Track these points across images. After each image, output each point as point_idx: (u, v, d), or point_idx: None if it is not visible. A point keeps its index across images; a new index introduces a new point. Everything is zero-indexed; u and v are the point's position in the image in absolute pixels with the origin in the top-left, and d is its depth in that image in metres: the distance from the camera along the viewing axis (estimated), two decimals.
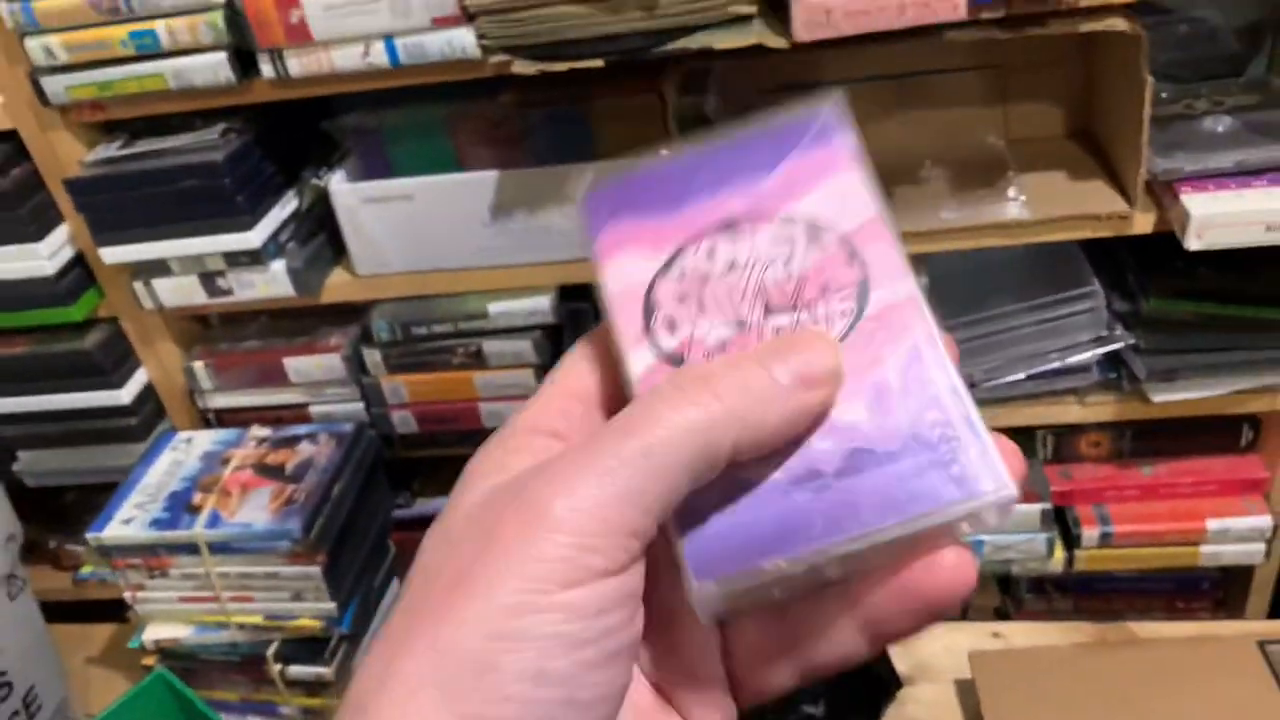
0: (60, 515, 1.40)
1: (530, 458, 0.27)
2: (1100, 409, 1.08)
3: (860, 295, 0.28)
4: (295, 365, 1.14)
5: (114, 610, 1.38)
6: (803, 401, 0.26)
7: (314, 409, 1.18)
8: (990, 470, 0.26)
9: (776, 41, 0.85)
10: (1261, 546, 1.13)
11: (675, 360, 0.29)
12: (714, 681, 0.29)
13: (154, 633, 1.13)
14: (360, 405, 1.16)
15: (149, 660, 1.15)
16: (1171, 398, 1.04)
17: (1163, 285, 1.01)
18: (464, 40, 0.90)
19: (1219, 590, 1.24)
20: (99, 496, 1.28)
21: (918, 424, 0.27)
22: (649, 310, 0.29)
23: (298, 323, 1.18)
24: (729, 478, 0.27)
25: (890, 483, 0.26)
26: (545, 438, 0.28)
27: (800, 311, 0.28)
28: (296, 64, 0.94)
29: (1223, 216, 0.88)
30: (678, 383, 0.27)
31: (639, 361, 0.29)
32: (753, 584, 0.26)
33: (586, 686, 0.24)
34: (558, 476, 0.25)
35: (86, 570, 1.41)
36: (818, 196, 0.30)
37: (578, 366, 0.30)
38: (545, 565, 0.24)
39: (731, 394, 0.26)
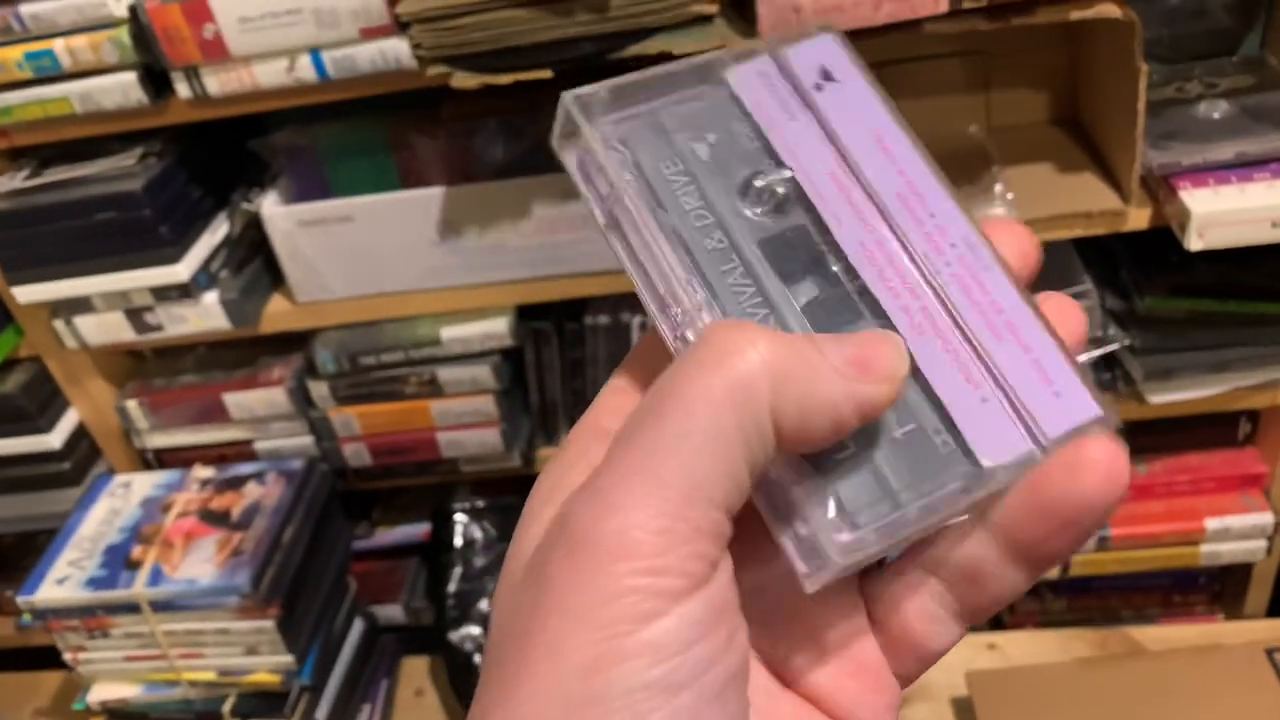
0: None
1: (588, 467, 0.22)
2: None
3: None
4: (236, 400, 1.06)
5: (61, 658, 1.30)
6: (855, 389, 0.22)
7: (259, 445, 1.10)
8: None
9: (741, 44, 0.77)
10: (1263, 544, 1.09)
11: None
12: (869, 660, 0.25)
13: (100, 693, 1.05)
14: (309, 439, 1.08)
15: None
16: (1169, 398, 0.99)
17: (1157, 282, 0.95)
18: (398, 50, 0.82)
19: (1217, 585, 1.20)
20: (39, 538, 1.20)
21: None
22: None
23: (237, 353, 1.09)
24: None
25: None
26: (604, 441, 0.23)
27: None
28: (215, 82, 0.85)
29: (1225, 214, 0.82)
30: (707, 336, 0.22)
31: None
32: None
33: None
34: (598, 494, 0.21)
35: (29, 616, 1.33)
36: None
37: (642, 353, 0.25)
38: (612, 606, 0.20)
39: (774, 348, 0.22)
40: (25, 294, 0.97)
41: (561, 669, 0.20)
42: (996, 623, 1.24)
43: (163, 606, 0.97)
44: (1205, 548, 1.10)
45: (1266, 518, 1.07)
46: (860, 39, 0.78)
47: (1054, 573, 1.13)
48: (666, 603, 0.20)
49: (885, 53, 0.99)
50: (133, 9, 0.83)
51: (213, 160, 0.99)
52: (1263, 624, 1.13)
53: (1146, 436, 1.10)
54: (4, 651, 1.29)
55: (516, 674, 0.20)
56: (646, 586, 0.20)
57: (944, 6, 0.75)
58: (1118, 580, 1.19)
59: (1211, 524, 1.08)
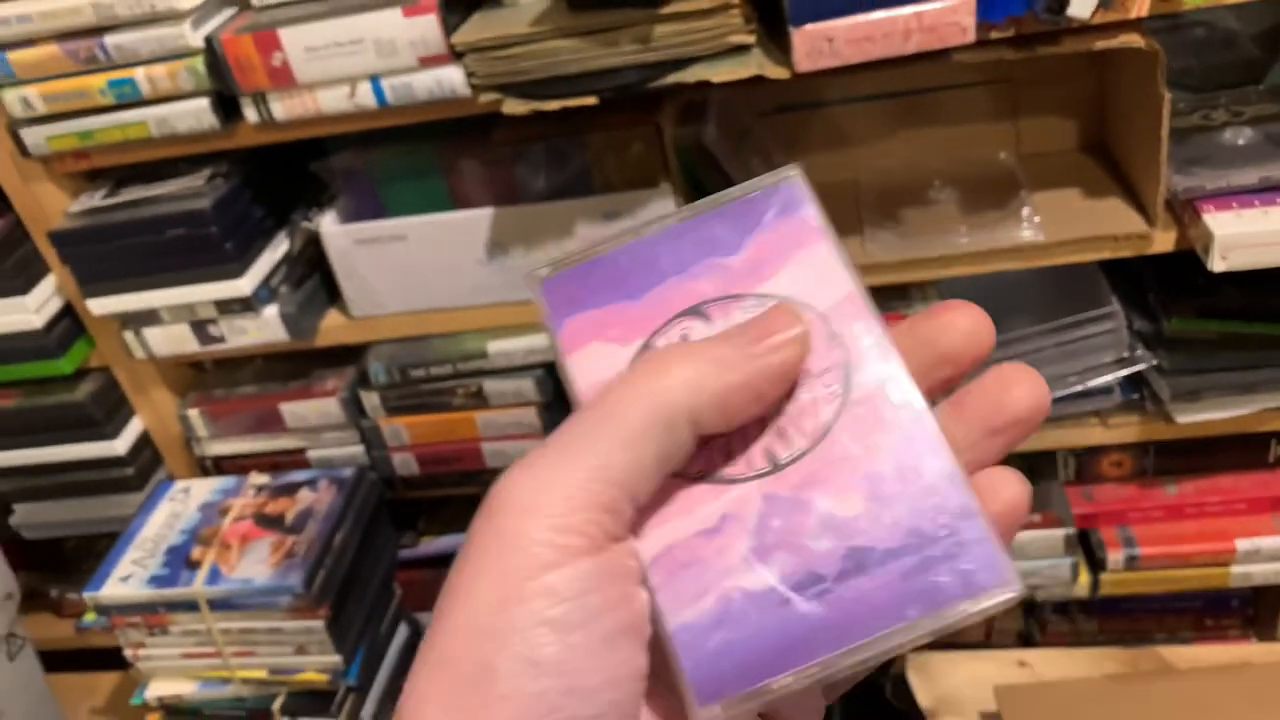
0: (61, 563, 1.37)
1: None
2: (1124, 430, 1.05)
3: (845, 378, 0.27)
4: (292, 410, 1.11)
5: (118, 659, 1.35)
6: (764, 363, 0.26)
7: (312, 454, 1.15)
8: (991, 566, 0.25)
9: (777, 72, 0.81)
10: None
11: None
12: None
13: (157, 689, 1.10)
14: (360, 448, 1.13)
15: (154, 717, 1.12)
16: (1197, 418, 1.01)
17: (1184, 304, 0.97)
18: (453, 79, 0.87)
19: (1249, 608, 1.21)
20: (100, 542, 1.26)
21: (917, 516, 0.26)
22: None
23: (293, 366, 1.15)
24: (726, 587, 0.26)
25: (893, 582, 0.25)
26: None
27: (783, 400, 0.27)
28: (281, 107, 0.91)
29: (1248, 236, 0.85)
30: (637, 362, 0.27)
31: None
32: (758, 701, 0.25)
33: (586, 672, 0.23)
34: (523, 465, 0.25)
35: (89, 618, 1.38)
36: (789, 274, 0.29)
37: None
38: (520, 555, 0.24)
39: (689, 361, 0.26)
40: (99, 306, 1.03)
41: (474, 606, 0.24)
42: (1028, 641, 1.25)
43: (220, 605, 1.02)
44: (1236, 569, 1.11)
45: None
46: (891, 68, 0.82)
47: (1084, 592, 1.15)
48: (565, 556, 0.24)
49: (917, 81, 1.03)
50: (208, 39, 0.88)
51: (275, 181, 1.05)
52: None
53: (1177, 458, 1.11)
54: (65, 653, 1.35)
55: (441, 614, 0.24)
56: (548, 540, 0.24)
57: (971, 37, 0.79)
58: (1149, 602, 1.20)
59: (1242, 545, 1.09)
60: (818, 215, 0.29)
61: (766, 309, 0.27)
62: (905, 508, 0.26)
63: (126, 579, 1.05)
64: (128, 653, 1.08)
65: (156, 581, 1.03)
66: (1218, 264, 0.86)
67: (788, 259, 0.29)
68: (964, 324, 0.27)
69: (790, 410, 0.27)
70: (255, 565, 1.02)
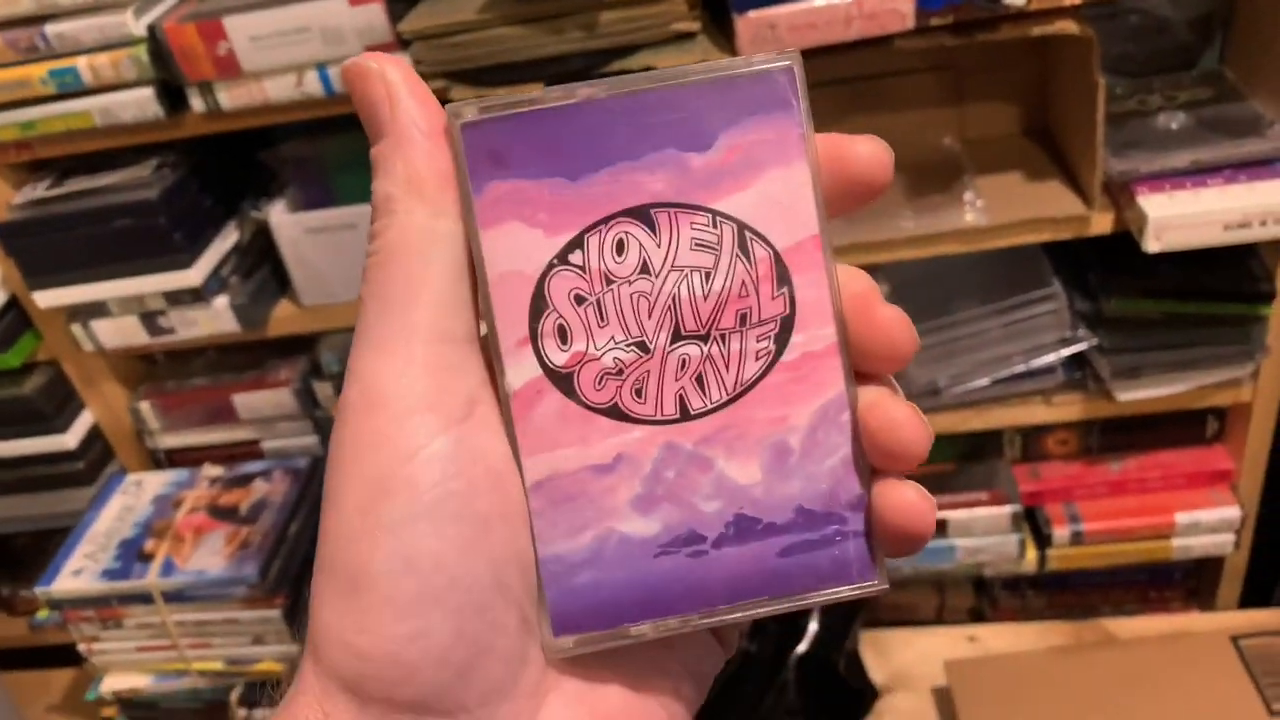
0: (12, 560, 1.36)
1: None
2: (1067, 409, 1.07)
3: (780, 336, 0.26)
4: (245, 401, 1.11)
5: (73, 656, 1.34)
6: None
7: (266, 444, 1.14)
8: (864, 559, 0.26)
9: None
10: (1231, 537, 1.13)
11: (562, 380, 0.25)
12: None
13: (112, 683, 1.10)
14: (314, 439, 1.13)
15: (109, 711, 1.12)
16: (1136, 395, 1.03)
17: (1123, 284, 1.00)
18: None
19: (1191, 580, 1.24)
20: (52, 539, 1.25)
21: (808, 495, 0.26)
22: (538, 308, 0.25)
23: (246, 356, 1.14)
24: (605, 528, 0.25)
25: (766, 557, 0.26)
26: None
27: (711, 344, 0.25)
28: (227, 96, 0.91)
29: (1180, 218, 0.87)
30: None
31: (519, 373, 0.25)
32: (612, 644, 0.26)
33: (464, 562, 0.23)
34: (353, 363, 0.25)
35: (42, 615, 1.37)
36: (756, 193, 0.25)
37: None
38: (375, 451, 0.23)
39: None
40: (45, 298, 1.02)
41: (343, 512, 0.23)
42: (979, 617, 1.28)
43: (174, 597, 1.01)
44: (1177, 541, 1.14)
45: (1234, 512, 1.11)
46: (835, 54, 0.83)
47: (1032, 568, 1.17)
48: (421, 438, 0.23)
49: (862, 68, 1.05)
50: (151, 28, 0.88)
51: (223, 171, 1.04)
52: (1230, 615, 1.17)
53: (1119, 435, 1.14)
54: (17, 651, 1.33)
55: (321, 520, 0.24)
56: (398, 430, 0.23)
57: (911, 23, 0.81)
58: (1095, 576, 1.23)
59: (1182, 518, 1.12)
60: (803, 122, 0.26)
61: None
62: (801, 486, 0.26)
63: (79, 573, 1.04)
64: (81, 647, 1.08)
65: (109, 575, 1.03)
66: (1152, 244, 0.88)
67: (758, 175, 0.25)
68: (865, 148, 0.26)
69: (715, 355, 0.26)
70: (210, 557, 1.02)
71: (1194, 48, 1.04)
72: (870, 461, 0.26)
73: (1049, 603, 1.27)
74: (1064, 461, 1.17)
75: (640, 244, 0.25)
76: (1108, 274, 1.01)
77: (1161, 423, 1.11)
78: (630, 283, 0.25)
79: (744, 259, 0.26)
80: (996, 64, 1.04)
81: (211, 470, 1.12)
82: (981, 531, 1.14)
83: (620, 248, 0.25)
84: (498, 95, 0.26)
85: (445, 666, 0.23)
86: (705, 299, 0.25)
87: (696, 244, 0.25)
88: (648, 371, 0.25)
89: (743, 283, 0.26)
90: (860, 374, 0.26)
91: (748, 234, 0.25)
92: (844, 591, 0.26)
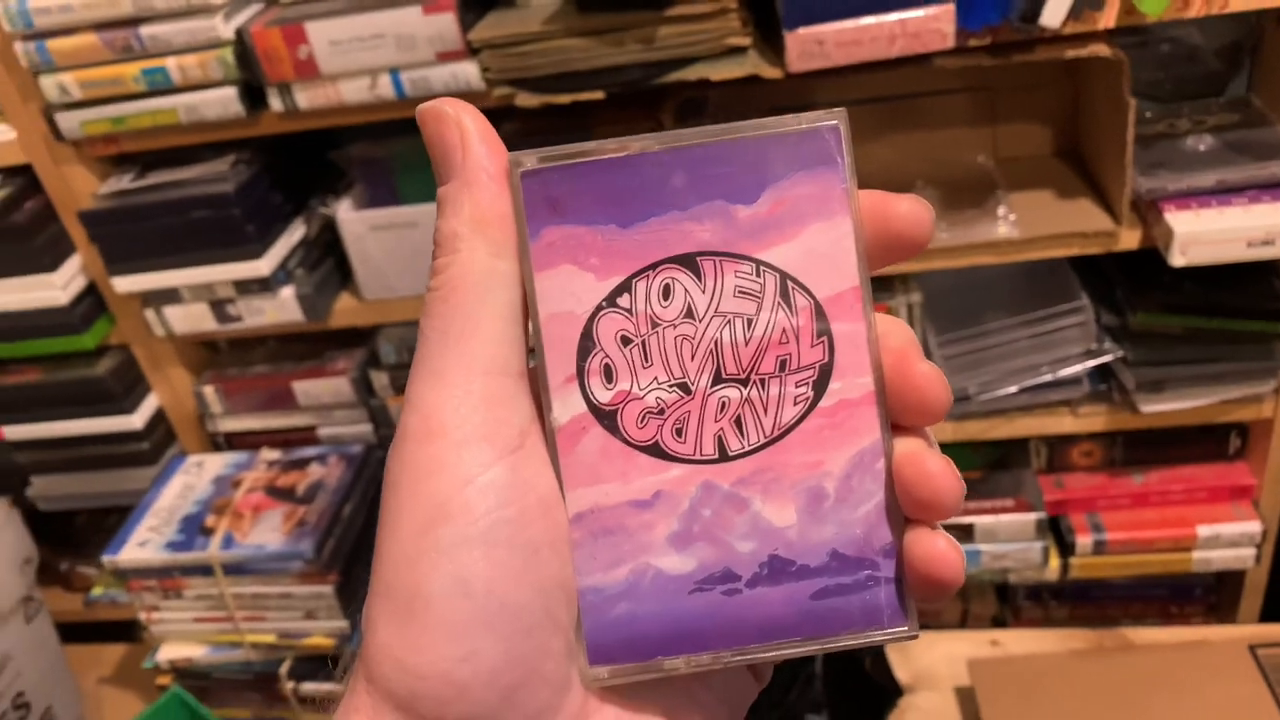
0: (71, 537, 1.42)
1: None
2: (1092, 419, 1.11)
3: (819, 383, 0.26)
4: (304, 389, 1.17)
5: (125, 631, 1.40)
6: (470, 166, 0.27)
7: (322, 431, 1.20)
8: (895, 606, 0.26)
9: (771, 72, 0.88)
10: (1252, 551, 1.16)
11: (605, 417, 0.26)
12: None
13: (168, 653, 1.15)
14: (369, 427, 1.19)
15: (164, 680, 1.17)
16: (1160, 408, 1.07)
17: (1149, 300, 1.04)
18: (468, 73, 0.93)
19: (1212, 595, 1.27)
20: (109, 518, 1.31)
21: (842, 540, 0.26)
22: (585, 347, 0.26)
23: (305, 347, 1.20)
24: (642, 562, 0.26)
25: (799, 599, 0.26)
26: None
27: (751, 387, 0.26)
28: (304, 97, 0.97)
29: (1205, 234, 0.91)
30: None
31: (565, 409, 0.27)
32: (647, 676, 0.26)
33: (515, 588, 0.24)
34: (410, 392, 0.26)
35: (98, 591, 1.43)
36: (799, 246, 0.26)
37: None
38: (432, 478, 0.24)
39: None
40: (123, 284, 1.08)
41: (400, 534, 0.24)
42: (1001, 625, 1.31)
43: (233, 569, 1.07)
44: (1197, 554, 1.17)
45: (1255, 526, 1.14)
46: (877, 71, 0.88)
47: (1054, 575, 1.21)
48: (476, 468, 0.24)
49: (902, 88, 1.10)
50: (239, 31, 0.94)
51: (295, 168, 1.11)
52: (1249, 627, 1.19)
53: (1143, 449, 1.18)
54: (73, 625, 1.39)
55: (377, 542, 0.25)
56: (455, 457, 0.24)
57: (951, 43, 0.85)
58: (1117, 589, 1.27)
59: (1203, 531, 1.15)
60: (848, 178, 0.26)
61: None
62: (835, 531, 0.26)
63: (144, 544, 1.09)
64: (142, 615, 1.13)
65: (172, 547, 1.08)
66: (1177, 259, 0.92)
67: (802, 227, 0.26)
68: (905, 206, 0.27)
69: (755, 399, 0.26)
70: (268, 533, 1.07)
71: (1222, 75, 1.09)
72: (903, 510, 0.26)
73: (1071, 614, 1.30)
74: (1088, 473, 1.21)
75: (686, 289, 0.26)
76: (1134, 289, 1.05)
77: (1185, 438, 1.15)
78: (675, 326, 0.26)
79: (785, 307, 0.26)
80: (1030, 86, 1.09)
81: (269, 454, 1.18)
82: (1006, 537, 1.18)
83: (666, 293, 0.26)
84: (556, 147, 0.26)
85: (494, 688, 0.24)
86: (746, 344, 0.26)
87: (740, 291, 0.26)
88: (688, 412, 0.26)
89: (783, 330, 0.26)
90: (896, 427, 0.27)
91: (790, 284, 0.26)
92: (875, 636, 0.26)
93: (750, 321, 0.26)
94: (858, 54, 0.86)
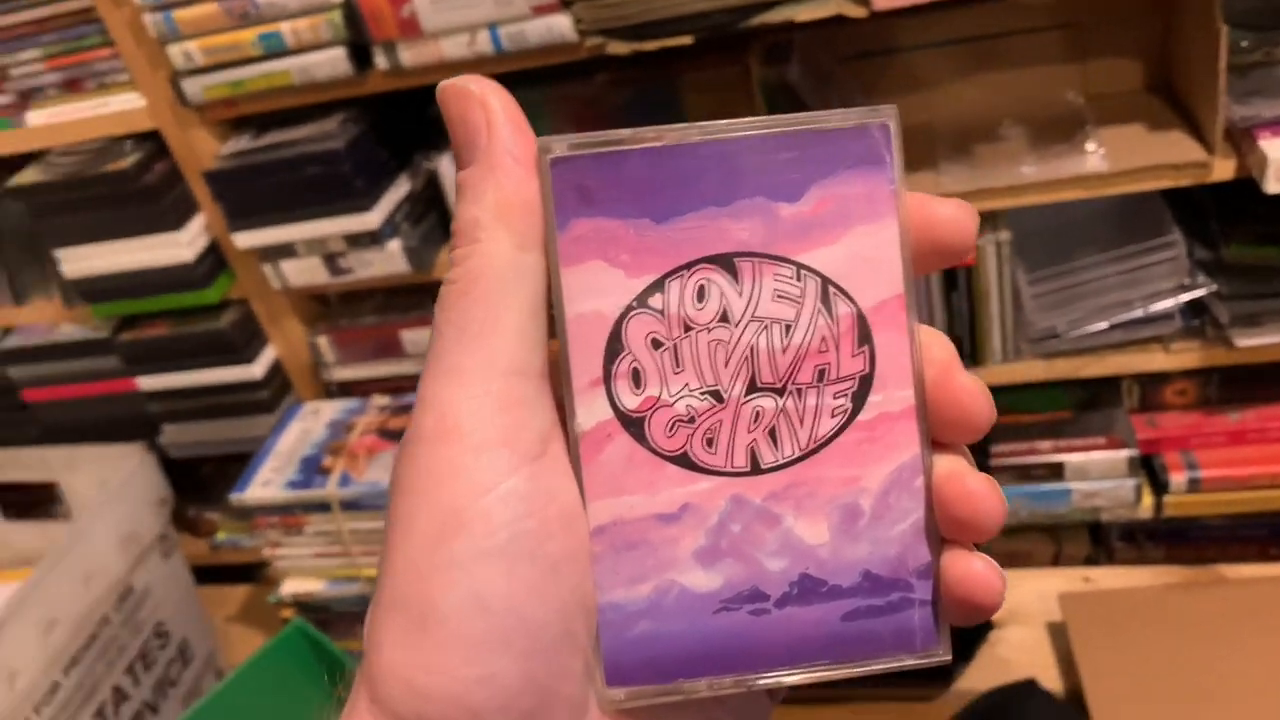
0: (197, 486, 1.51)
1: None
2: (1185, 356, 1.10)
3: (858, 395, 0.25)
4: (411, 338, 1.23)
5: (248, 573, 1.49)
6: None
7: None
8: (929, 629, 0.25)
9: (856, 11, 0.90)
10: None
11: (632, 424, 0.25)
12: None
13: (291, 587, 1.23)
14: None
15: (287, 613, 1.25)
16: (1255, 342, 1.06)
17: (1243, 231, 1.03)
18: (562, 26, 0.97)
19: None
20: (233, 468, 1.39)
21: (875, 560, 0.25)
22: (613, 349, 0.25)
23: (411, 298, 1.26)
24: (666, 579, 0.25)
25: (829, 620, 0.25)
26: None
27: (787, 397, 0.25)
28: (408, 55, 1.02)
29: None
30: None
31: (589, 415, 0.25)
32: (666, 699, 0.25)
33: (534, 605, 0.23)
34: (424, 390, 0.24)
35: (222, 536, 1.53)
36: (843, 248, 0.25)
37: None
38: (448, 485, 0.23)
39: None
40: (244, 240, 1.15)
41: (412, 544, 0.23)
42: (1094, 564, 1.32)
43: (350, 505, 1.14)
44: None
45: None
46: (963, 8, 0.89)
47: (1148, 514, 1.21)
48: (495, 476, 0.23)
49: (988, 26, 1.10)
50: None
51: (399, 125, 1.16)
52: None
53: (1240, 386, 1.17)
54: (201, 568, 1.49)
55: (386, 550, 0.24)
56: (473, 462, 0.23)
57: None
58: (1213, 528, 1.26)
59: None
60: (896, 179, 0.25)
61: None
62: (869, 550, 0.25)
63: (267, 484, 1.17)
64: (266, 551, 1.21)
65: (293, 486, 1.16)
66: (1273, 186, 0.92)
67: (847, 230, 0.25)
68: (947, 210, 0.26)
69: (790, 409, 0.25)
70: (382, 471, 1.14)
71: None
72: (941, 530, 0.25)
73: (1167, 554, 1.30)
74: (1182, 411, 1.20)
75: (722, 292, 0.25)
76: (1228, 221, 1.04)
77: None
78: (709, 330, 0.25)
79: (826, 314, 0.25)
80: (1118, 19, 1.08)
81: (380, 400, 1.24)
82: (1098, 475, 1.18)
83: (701, 294, 0.25)
84: (588, 134, 0.25)
85: (509, 712, 0.23)
86: (784, 352, 0.25)
87: (779, 295, 0.25)
88: (720, 421, 0.25)
89: (823, 338, 0.25)
90: (935, 442, 0.26)
91: (831, 289, 0.25)
92: (906, 660, 0.25)
93: (788, 328, 0.25)
94: None
